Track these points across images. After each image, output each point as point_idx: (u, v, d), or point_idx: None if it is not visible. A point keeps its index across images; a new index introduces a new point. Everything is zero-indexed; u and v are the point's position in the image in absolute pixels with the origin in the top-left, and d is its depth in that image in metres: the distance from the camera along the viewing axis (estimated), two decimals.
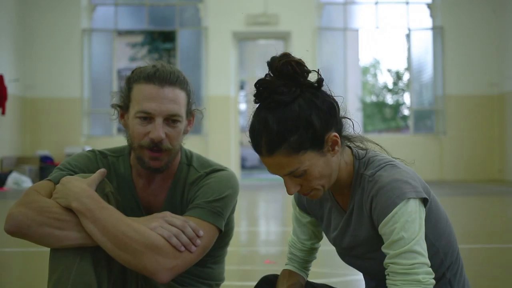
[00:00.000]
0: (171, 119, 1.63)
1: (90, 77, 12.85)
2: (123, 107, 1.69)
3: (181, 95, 1.65)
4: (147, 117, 1.62)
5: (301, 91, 1.40)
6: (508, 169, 12.26)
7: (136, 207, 1.74)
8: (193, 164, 1.75)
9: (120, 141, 1.86)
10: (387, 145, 1.62)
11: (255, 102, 1.43)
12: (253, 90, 1.42)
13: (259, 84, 1.41)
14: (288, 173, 1.42)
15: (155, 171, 1.68)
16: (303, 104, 1.39)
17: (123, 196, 1.71)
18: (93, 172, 1.65)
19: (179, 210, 1.71)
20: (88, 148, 1.74)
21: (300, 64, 1.41)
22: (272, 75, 1.42)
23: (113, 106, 1.71)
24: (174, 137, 1.65)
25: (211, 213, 1.62)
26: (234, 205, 1.73)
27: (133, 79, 1.66)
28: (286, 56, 1.41)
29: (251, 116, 1.43)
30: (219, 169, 1.73)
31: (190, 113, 1.71)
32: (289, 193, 1.48)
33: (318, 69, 1.46)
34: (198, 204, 1.63)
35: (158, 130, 1.61)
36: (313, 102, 1.40)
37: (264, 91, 1.40)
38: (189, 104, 1.69)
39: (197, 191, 1.67)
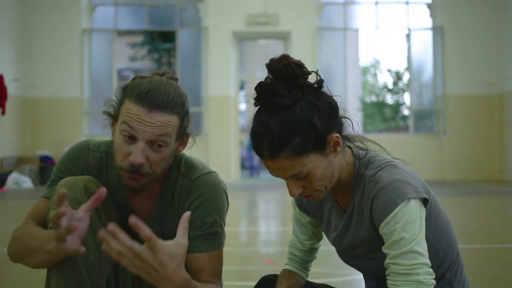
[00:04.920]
0: (156, 144, 1.57)
1: (90, 77, 12.86)
2: (114, 117, 1.64)
3: (170, 119, 1.57)
4: (131, 137, 1.56)
5: (302, 93, 1.40)
6: (508, 169, 12.26)
7: (125, 209, 1.70)
8: (181, 170, 1.71)
9: None
10: (387, 145, 1.62)
11: (256, 105, 1.42)
12: (253, 93, 1.41)
13: (259, 87, 1.40)
14: (291, 176, 1.41)
15: (132, 190, 1.64)
16: (304, 106, 1.38)
17: (115, 198, 1.68)
18: (83, 170, 1.66)
19: (169, 217, 1.69)
20: None
21: (300, 65, 1.40)
22: (271, 77, 1.41)
23: (104, 113, 1.66)
24: (156, 162, 1.58)
25: (215, 240, 1.64)
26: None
27: (127, 92, 1.59)
28: (285, 58, 1.40)
29: (252, 119, 1.42)
30: (204, 173, 1.69)
31: (184, 134, 1.65)
32: (292, 195, 1.48)
33: (317, 70, 1.45)
34: (200, 236, 1.62)
35: (137, 154, 1.54)
36: (314, 103, 1.39)
37: (265, 94, 1.39)
38: (182, 126, 1.62)
39: (193, 211, 1.63)
